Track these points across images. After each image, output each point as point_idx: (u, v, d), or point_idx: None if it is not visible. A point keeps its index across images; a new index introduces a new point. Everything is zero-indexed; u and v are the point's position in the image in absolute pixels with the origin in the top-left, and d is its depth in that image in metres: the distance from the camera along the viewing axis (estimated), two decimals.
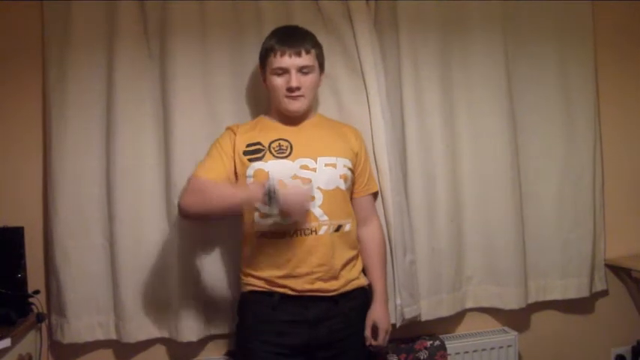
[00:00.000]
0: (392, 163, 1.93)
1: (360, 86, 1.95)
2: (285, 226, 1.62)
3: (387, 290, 1.83)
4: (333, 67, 1.90)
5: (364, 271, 1.78)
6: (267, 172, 1.63)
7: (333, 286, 1.65)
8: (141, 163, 1.92)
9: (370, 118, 1.93)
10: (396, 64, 2.03)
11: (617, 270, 2.36)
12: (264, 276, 1.65)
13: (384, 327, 1.75)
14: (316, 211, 1.63)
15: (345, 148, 1.75)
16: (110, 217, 1.90)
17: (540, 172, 2.22)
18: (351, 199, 1.78)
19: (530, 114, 2.20)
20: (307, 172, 1.65)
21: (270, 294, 1.64)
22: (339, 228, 1.67)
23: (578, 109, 2.23)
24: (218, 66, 1.93)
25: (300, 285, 1.62)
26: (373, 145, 1.92)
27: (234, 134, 1.73)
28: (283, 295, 1.63)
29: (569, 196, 2.22)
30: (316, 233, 1.63)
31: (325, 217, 1.64)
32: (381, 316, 1.76)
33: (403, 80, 2.03)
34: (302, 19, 1.90)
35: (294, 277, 1.62)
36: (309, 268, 1.62)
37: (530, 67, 2.20)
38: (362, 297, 1.74)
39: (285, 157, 1.66)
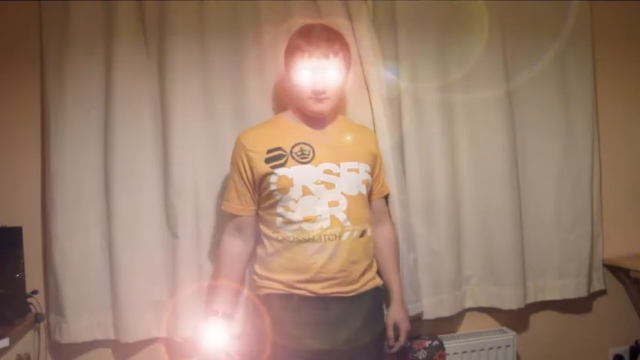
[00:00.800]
0: (395, 162, 1.93)
1: (362, 86, 1.95)
2: (309, 232, 1.60)
3: (402, 291, 1.84)
4: None
5: (379, 271, 1.78)
6: (291, 179, 1.61)
7: (351, 288, 1.65)
8: (139, 163, 1.92)
9: (373, 118, 1.93)
10: (394, 63, 2.03)
11: (616, 270, 2.37)
12: (283, 279, 1.63)
13: (404, 327, 1.79)
14: (340, 216, 1.62)
15: (366, 153, 1.74)
16: (109, 217, 1.90)
17: (539, 172, 2.22)
18: (369, 202, 1.77)
19: (529, 113, 2.20)
20: (331, 177, 1.63)
21: (289, 296, 1.62)
22: (363, 233, 1.66)
23: (577, 109, 2.23)
24: (216, 65, 1.92)
25: (320, 289, 1.61)
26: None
27: (245, 148, 1.66)
28: (302, 297, 1.62)
29: (567, 195, 2.22)
30: (340, 239, 1.61)
31: (349, 223, 1.63)
32: (402, 317, 1.79)
33: (401, 80, 2.03)
34: (300, 18, 1.89)
35: (315, 281, 1.61)
36: (331, 274, 1.61)
37: (529, 67, 2.20)
38: (377, 297, 1.75)
39: (308, 162, 1.63)
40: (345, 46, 1.68)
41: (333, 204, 1.62)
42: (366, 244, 1.68)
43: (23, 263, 1.80)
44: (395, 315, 1.79)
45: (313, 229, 1.60)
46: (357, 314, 1.65)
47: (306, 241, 1.60)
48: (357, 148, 1.73)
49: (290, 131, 1.69)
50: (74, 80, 1.88)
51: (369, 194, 1.77)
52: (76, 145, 1.89)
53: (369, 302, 1.70)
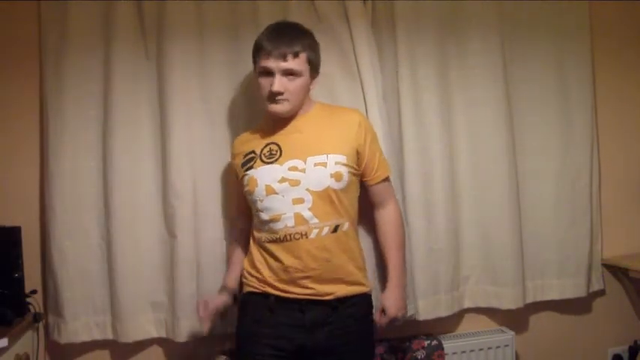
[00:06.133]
0: (392, 163, 1.92)
1: (357, 87, 1.95)
2: (277, 232, 1.61)
3: (404, 274, 1.79)
4: (329, 68, 1.89)
5: (383, 256, 1.77)
6: (256, 180, 1.64)
7: (329, 290, 1.62)
8: (138, 163, 1.92)
9: (367, 118, 1.93)
10: (393, 64, 2.03)
11: (614, 269, 2.36)
12: (262, 278, 1.65)
13: (390, 313, 1.72)
14: (305, 214, 1.60)
15: (341, 143, 1.65)
16: (107, 217, 1.90)
17: (538, 172, 2.21)
18: (368, 187, 1.74)
19: (528, 114, 2.20)
20: (296, 174, 1.61)
21: (266, 296, 1.63)
22: (336, 228, 1.63)
23: (576, 109, 2.23)
24: (215, 66, 1.93)
25: (295, 288, 1.61)
26: None
27: (233, 158, 1.77)
28: (279, 298, 1.62)
29: (566, 195, 2.22)
30: (307, 237, 1.59)
31: (315, 220, 1.60)
32: (391, 301, 1.73)
33: (400, 80, 2.03)
34: (298, 19, 1.89)
35: (289, 280, 1.61)
36: (303, 273, 1.60)
37: (528, 66, 2.20)
38: (364, 303, 1.70)
39: (274, 161, 1.63)
40: (310, 47, 1.64)
41: (298, 201, 1.60)
42: (339, 240, 1.63)
43: (22, 263, 1.80)
44: (384, 297, 1.74)
45: (279, 227, 1.60)
46: (338, 320, 1.62)
47: (274, 241, 1.62)
48: (329, 138, 1.65)
49: (263, 133, 1.71)
50: (73, 81, 1.88)
51: (366, 180, 1.73)
52: (75, 145, 1.89)
53: (353, 309, 1.65)
